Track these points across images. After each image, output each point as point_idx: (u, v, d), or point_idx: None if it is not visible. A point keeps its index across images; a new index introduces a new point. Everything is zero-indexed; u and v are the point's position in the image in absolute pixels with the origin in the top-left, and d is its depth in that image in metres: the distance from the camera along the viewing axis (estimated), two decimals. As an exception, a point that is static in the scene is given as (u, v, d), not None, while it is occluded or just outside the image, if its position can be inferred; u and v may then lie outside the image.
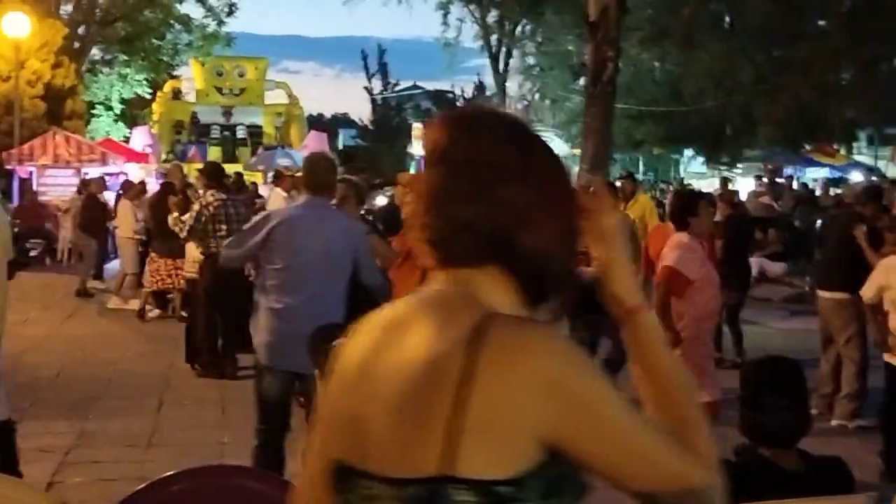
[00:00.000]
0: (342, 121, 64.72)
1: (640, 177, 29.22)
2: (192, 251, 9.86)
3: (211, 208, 9.28)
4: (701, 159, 36.80)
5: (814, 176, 30.17)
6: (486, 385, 1.34)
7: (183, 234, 9.65)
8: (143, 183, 16.45)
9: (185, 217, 9.55)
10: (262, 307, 5.34)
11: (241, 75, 33.22)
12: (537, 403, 1.35)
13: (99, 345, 10.82)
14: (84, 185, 16.86)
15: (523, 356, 1.36)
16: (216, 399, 8.40)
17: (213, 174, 9.95)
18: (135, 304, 12.85)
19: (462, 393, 1.34)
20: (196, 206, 9.49)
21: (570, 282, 1.52)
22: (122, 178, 20.24)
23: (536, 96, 41.31)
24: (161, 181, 14.81)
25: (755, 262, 13.71)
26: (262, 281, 5.34)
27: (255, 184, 19.33)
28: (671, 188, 29.73)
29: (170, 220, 10.22)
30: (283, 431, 5.31)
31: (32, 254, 17.27)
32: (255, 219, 5.68)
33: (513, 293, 1.48)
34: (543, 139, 1.56)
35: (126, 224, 13.69)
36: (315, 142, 30.72)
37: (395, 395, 1.42)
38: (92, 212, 15.12)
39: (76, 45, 29.32)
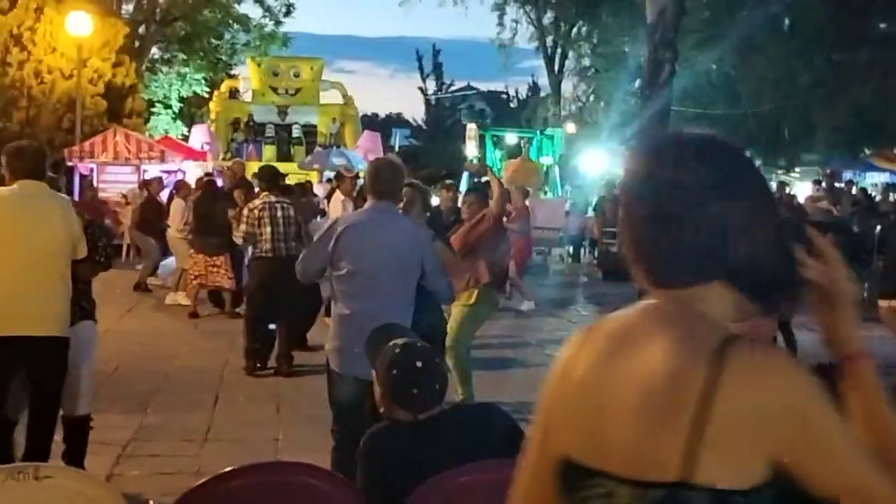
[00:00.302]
0: (396, 121, 65.03)
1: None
2: None
3: (256, 211, 9.44)
4: (758, 162, 36.36)
5: (874, 181, 29.67)
6: (727, 401, 1.42)
7: (240, 243, 9.82)
8: (200, 179, 16.61)
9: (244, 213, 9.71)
10: (332, 313, 5.45)
11: (297, 75, 33.47)
12: (773, 423, 1.43)
13: (156, 340, 10.99)
14: (145, 184, 17.08)
15: (764, 378, 1.44)
16: (270, 396, 8.50)
17: (266, 177, 10.07)
18: (184, 300, 13.07)
19: (704, 406, 1.42)
20: (245, 212, 9.63)
21: (790, 284, 1.58)
22: (179, 176, 20.58)
23: (591, 98, 41.12)
24: (205, 178, 15.17)
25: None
26: (333, 288, 5.39)
27: (309, 182, 19.42)
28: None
29: (234, 232, 10.34)
30: (359, 433, 5.35)
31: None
32: (323, 228, 5.74)
33: (734, 304, 1.54)
34: (740, 150, 1.61)
35: (176, 222, 14.05)
36: (369, 141, 30.88)
37: (636, 403, 1.49)
38: (149, 211, 15.42)
39: (136, 44, 29.77)
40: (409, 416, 3.29)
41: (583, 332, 1.66)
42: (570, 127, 34.50)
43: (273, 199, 9.63)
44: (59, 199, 5.45)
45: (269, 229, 9.41)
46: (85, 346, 5.54)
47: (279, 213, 9.50)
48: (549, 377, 1.67)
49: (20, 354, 5.12)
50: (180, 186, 15.18)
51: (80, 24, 22.03)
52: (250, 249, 9.82)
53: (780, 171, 33.03)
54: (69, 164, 20.79)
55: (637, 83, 32.57)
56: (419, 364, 3.33)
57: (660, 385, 1.46)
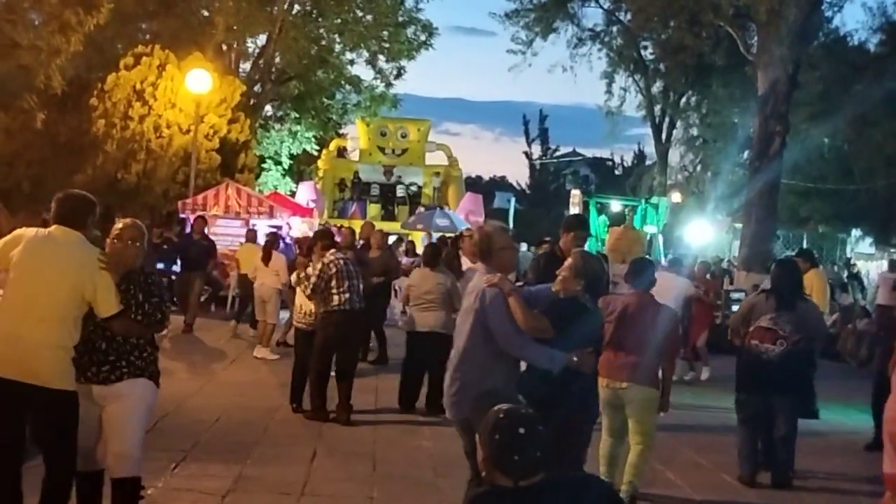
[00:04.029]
0: (500, 184, 65.26)
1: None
2: (305, 303, 10.23)
3: (333, 266, 9.73)
4: (869, 240, 35.47)
5: None
6: None
7: (307, 293, 9.97)
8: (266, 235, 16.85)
9: (308, 271, 9.89)
10: None
11: (404, 136, 34.03)
12: None
13: (257, 392, 11.13)
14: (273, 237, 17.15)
15: None
16: (367, 453, 8.51)
17: (327, 237, 10.38)
18: (269, 355, 13.33)
19: None
20: (319, 265, 9.86)
21: None
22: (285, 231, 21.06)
23: (698, 167, 40.73)
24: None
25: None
26: None
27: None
28: (836, 268, 28.74)
29: (293, 277, 10.50)
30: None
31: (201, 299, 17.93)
32: None
33: None
34: None
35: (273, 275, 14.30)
36: (471, 203, 31.11)
37: None
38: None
39: (251, 101, 30.54)
40: (510, 483, 3.27)
41: None
42: (676, 196, 34.16)
43: (343, 256, 10.04)
44: (84, 249, 5.15)
45: (346, 283, 9.73)
46: (130, 403, 5.23)
47: (352, 269, 9.90)
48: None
49: (19, 400, 4.97)
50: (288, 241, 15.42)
51: (200, 82, 22.86)
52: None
53: (892, 250, 32.12)
54: (182, 215, 21.42)
55: (746, 154, 32.18)
56: (522, 430, 3.30)
57: None
